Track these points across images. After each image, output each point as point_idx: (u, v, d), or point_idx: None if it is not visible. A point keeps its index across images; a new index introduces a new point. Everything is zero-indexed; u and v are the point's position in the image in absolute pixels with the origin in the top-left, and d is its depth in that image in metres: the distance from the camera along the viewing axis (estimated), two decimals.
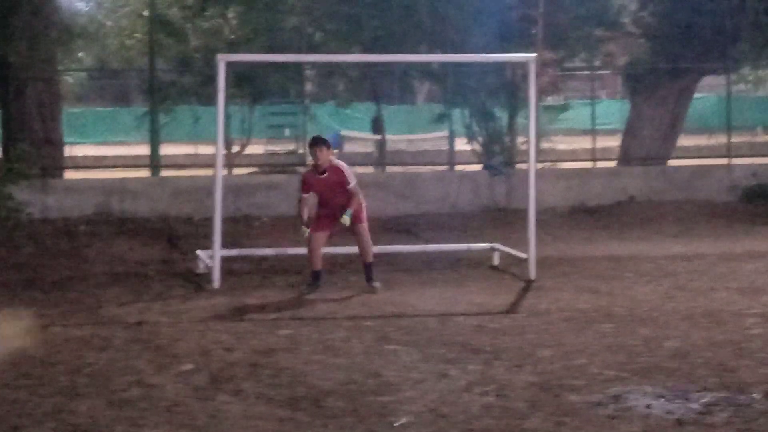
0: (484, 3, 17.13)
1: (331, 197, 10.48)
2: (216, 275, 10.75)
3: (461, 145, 19.86)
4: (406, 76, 21.28)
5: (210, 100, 14.25)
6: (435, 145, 22.95)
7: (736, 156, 19.15)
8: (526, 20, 17.49)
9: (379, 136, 20.72)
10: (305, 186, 10.63)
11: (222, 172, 11.41)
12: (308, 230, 10.43)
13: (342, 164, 10.67)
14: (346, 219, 10.32)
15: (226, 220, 14.00)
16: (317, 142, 10.61)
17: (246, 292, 10.51)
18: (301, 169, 10.71)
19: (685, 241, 13.91)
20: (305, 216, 10.48)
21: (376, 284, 10.52)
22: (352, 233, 10.64)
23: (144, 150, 19.02)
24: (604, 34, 19.63)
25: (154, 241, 14.06)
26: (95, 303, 10.00)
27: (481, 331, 8.52)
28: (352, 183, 10.46)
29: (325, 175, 10.44)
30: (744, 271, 11.33)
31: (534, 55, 12.05)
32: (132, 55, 21.89)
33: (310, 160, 24.98)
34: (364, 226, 10.60)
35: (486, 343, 8.05)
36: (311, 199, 10.67)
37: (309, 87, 20.71)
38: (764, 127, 28.87)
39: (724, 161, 18.68)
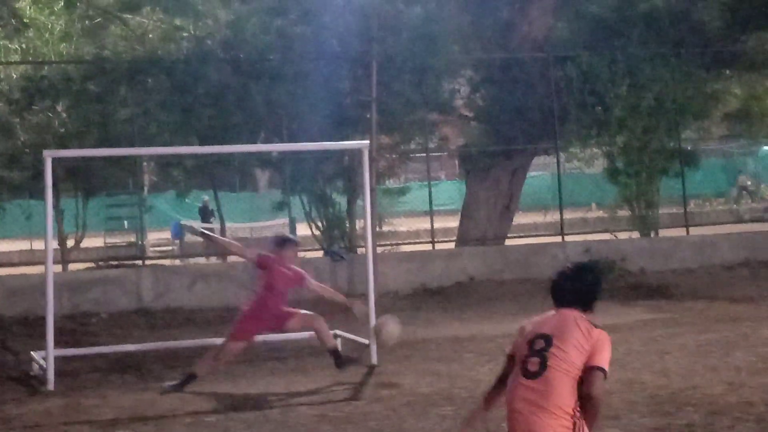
0: (318, 91, 17.32)
1: (278, 290, 10.24)
2: (50, 376, 10.42)
3: (303, 231, 19.89)
4: (245, 165, 21.30)
5: (42, 194, 13.92)
6: (277, 232, 22.98)
7: (570, 233, 19.72)
8: (361, 106, 17.78)
9: (209, 224, 20.59)
10: (261, 258, 10.30)
11: (55, 268, 11.14)
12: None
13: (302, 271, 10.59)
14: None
15: (62, 318, 13.68)
16: (292, 242, 10.62)
17: (82, 392, 10.23)
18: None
19: (523, 319, 14.02)
20: None
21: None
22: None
23: None
24: (437, 118, 20.08)
25: None
26: None
27: (324, 421, 8.49)
28: (312, 281, 10.56)
29: (288, 271, 10.33)
30: None
31: (366, 142, 12.21)
32: None
33: (152, 251, 24.53)
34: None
35: None
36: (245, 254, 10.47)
37: (147, 177, 20.46)
38: (597, 204, 29.86)
39: (558, 238, 19.20)
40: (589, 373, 4.77)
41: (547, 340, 4.87)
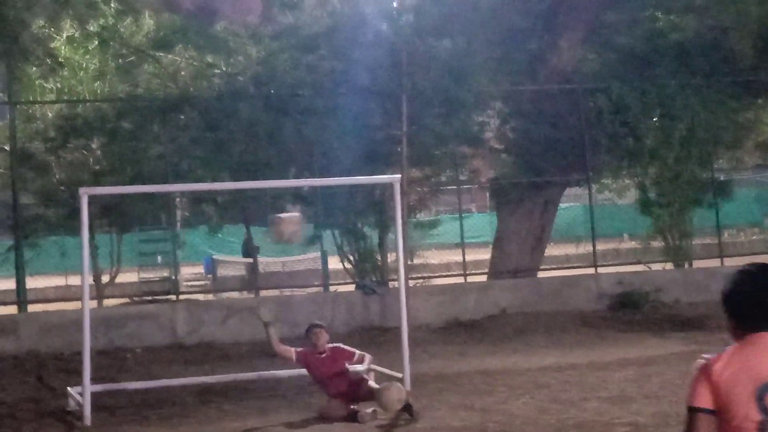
0: (349, 126, 17.42)
1: (330, 377, 10.46)
2: (87, 412, 10.50)
3: (334, 264, 19.95)
4: (277, 199, 21.38)
5: (77, 231, 14.05)
6: (309, 266, 23.03)
7: (603, 265, 19.62)
8: (391, 140, 17.86)
9: (250, 259, 20.66)
10: (298, 356, 10.68)
11: (91, 304, 11.23)
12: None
13: (339, 344, 10.81)
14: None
15: (97, 354, 13.77)
16: (316, 327, 10.76)
17: (119, 428, 10.30)
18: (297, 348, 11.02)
19: (556, 351, 14.15)
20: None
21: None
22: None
23: (11, 285, 18.57)
24: (468, 150, 20.09)
25: (22, 380, 13.65)
26: None
27: None
28: (357, 353, 10.61)
29: (324, 355, 10.57)
30: (614, 380, 11.56)
31: (398, 176, 12.30)
32: None
33: (185, 286, 24.63)
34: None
35: None
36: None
37: (179, 213, 20.58)
38: (629, 235, 29.73)
39: (591, 270, 19.11)
40: None
41: None
